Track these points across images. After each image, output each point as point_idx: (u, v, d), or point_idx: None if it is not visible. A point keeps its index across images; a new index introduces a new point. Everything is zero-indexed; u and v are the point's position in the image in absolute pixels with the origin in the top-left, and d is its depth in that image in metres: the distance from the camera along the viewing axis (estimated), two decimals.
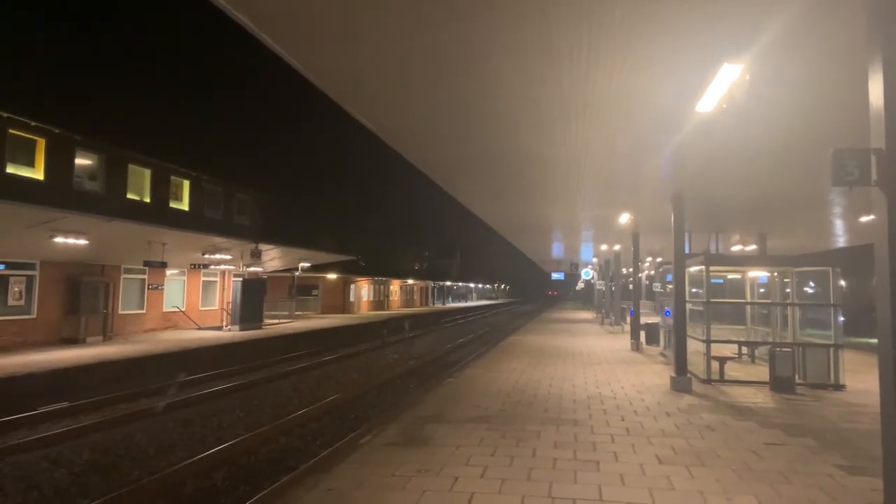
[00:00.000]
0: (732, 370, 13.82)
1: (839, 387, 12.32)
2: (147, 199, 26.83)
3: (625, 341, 22.57)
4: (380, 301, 55.41)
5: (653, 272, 38.02)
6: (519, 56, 6.12)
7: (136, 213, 23.61)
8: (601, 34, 5.61)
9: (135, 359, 16.99)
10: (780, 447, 7.81)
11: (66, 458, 9.51)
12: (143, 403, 13.47)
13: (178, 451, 10.14)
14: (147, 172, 26.97)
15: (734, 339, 16.77)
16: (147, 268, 23.24)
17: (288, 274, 36.71)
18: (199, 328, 26.39)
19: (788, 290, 15.04)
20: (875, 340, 4.43)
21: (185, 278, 27.58)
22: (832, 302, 13.02)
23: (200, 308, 28.58)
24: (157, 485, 8.32)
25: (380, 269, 57.35)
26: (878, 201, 4.28)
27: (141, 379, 15.88)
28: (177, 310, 26.62)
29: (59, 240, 16.62)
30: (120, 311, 22.98)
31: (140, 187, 26.65)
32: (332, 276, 43.57)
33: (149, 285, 24.89)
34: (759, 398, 11.39)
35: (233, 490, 8.52)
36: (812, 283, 16.24)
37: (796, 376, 12.37)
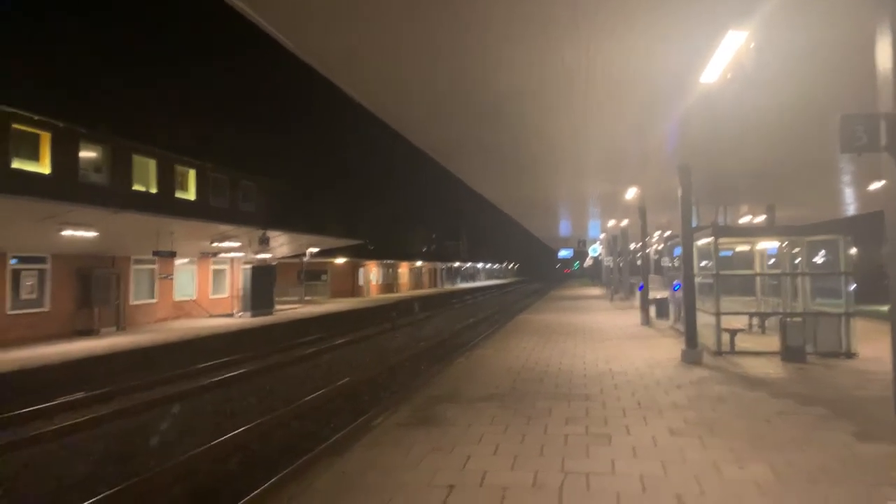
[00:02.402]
0: (743, 341, 13.80)
1: (850, 355, 12.29)
2: (153, 190, 26.88)
3: (634, 317, 22.55)
4: (389, 284, 55.58)
5: (660, 247, 37.91)
6: (519, 30, 6.05)
7: (143, 203, 23.67)
8: (600, 4, 5.54)
9: (148, 348, 17.18)
10: (792, 416, 7.81)
11: (83, 448, 9.66)
12: (158, 392, 13.63)
13: (195, 436, 10.27)
14: (152, 163, 26.98)
15: (744, 310, 16.71)
16: (156, 258, 23.35)
17: (297, 260, 36.83)
18: (211, 316, 26.58)
19: (798, 261, 14.95)
20: (886, 308, 4.40)
21: (194, 267, 27.71)
22: (843, 270, 12.94)
23: (211, 296, 28.75)
24: (173, 473, 8.44)
25: (388, 252, 57.43)
26: (888, 166, 4.23)
27: (155, 368, 16.05)
28: (188, 299, 26.80)
29: (67, 233, 16.71)
30: (131, 302, 23.15)
31: (145, 178, 26.69)
32: (340, 260, 43.68)
33: (159, 275, 25.02)
34: (771, 368, 11.38)
35: (248, 474, 8.63)
36: (822, 253, 16.12)
37: (807, 345, 12.34)
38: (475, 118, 9.70)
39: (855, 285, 12.89)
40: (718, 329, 13.09)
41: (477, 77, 7.60)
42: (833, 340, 12.54)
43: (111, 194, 22.87)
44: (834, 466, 5.85)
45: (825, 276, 15.81)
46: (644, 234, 22.66)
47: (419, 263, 68.60)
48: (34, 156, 21.28)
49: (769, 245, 16.54)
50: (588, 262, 72.50)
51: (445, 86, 8.04)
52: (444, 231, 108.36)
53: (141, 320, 23.48)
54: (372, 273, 51.00)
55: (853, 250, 13.05)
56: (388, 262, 55.70)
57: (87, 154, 23.52)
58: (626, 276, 35.02)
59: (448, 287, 76.10)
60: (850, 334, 12.45)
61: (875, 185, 15.61)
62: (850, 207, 22.45)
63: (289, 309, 30.71)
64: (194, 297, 27.18)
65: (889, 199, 4.21)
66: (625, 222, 28.78)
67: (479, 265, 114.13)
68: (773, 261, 17.69)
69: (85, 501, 7.30)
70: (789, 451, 6.33)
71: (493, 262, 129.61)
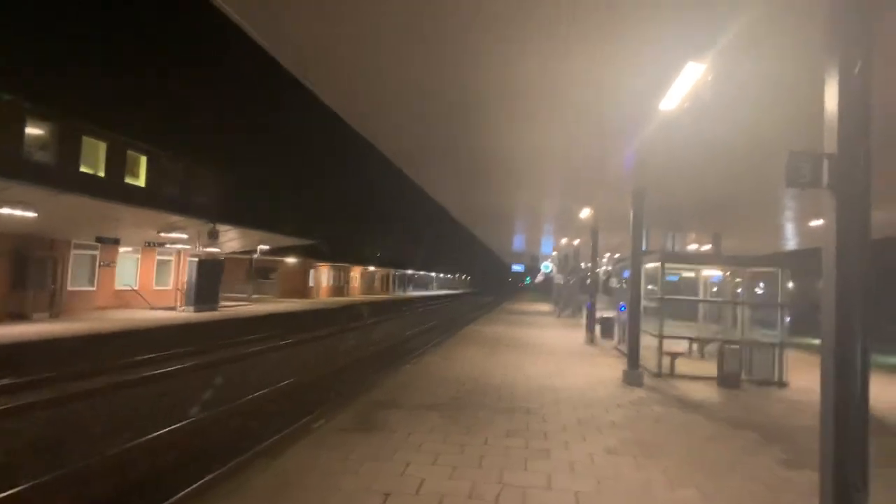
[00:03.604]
0: (683, 365, 14.16)
1: (783, 384, 12.77)
2: (101, 174, 25.93)
3: (580, 334, 22.91)
4: (340, 287, 54.99)
5: (610, 267, 38.67)
6: (488, 38, 6.11)
7: (90, 186, 22.76)
8: (570, 28, 5.64)
9: (81, 337, 16.50)
10: (723, 440, 8.05)
11: (4, 435, 9.19)
12: (90, 383, 13.09)
13: (125, 432, 9.88)
14: (102, 145, 26.03)
15: (686, 335, 17.17)
16: (99, 244, 22.52)
17: (247, 256, 36.11)
18: (153, 308, 25.75)
19: (739, 290, 15.49)
20: (817, 341, 4.58)
21: (138, 256, 26.86)
22: (780, 302, 13.46)
23: (154, 287, 27.89)
24: (98, 466, 8.11)
25: (341, 254, 56.83)
26: (828, 204, 4.41)
27: (86, 358, 15.41)
28: (129, 288, 25.92)
29: (4, 211, 15.94)
30: (69, 288, 22.23)
31: (94, 161, 25.73)
32: (291, 260, 43.03)
33: (100, 262, 24.14)
34: (707, 393, 11.71)
35: (181, 470, 8.35)
36: (762, 284, 16.75)
37: (743, 373, 12.76)
38: (437, 124, 9.72)
39: (789, 318, 13.40)
40: (660, 352, 13.41)
41: (442, 81, 7.61)
42: (767, 369, 13.02)
43: (56, 174, 21.95)
44: (762, 492, 6.04)
45: (763, 306, 16.41)
46: (595, 254, 23.07)
47: (372, 268, 68.15)
48: None
49: (713, 273, 17.08)
50: (539, 277, 73.36)
51: (409, 89, 8.04)
52: (400, 237, 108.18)
53: (78, 307, 22.55)
54: (323, 275, 50.39)
55: (790, 283, 13.58)
56: (341, 264, 55.14)
57: (32, 131, 22.52)
58: (575, 293, 35.55)
59: (400, 294, 75.81)
60: (784, 364, 12.94)
61: (814, 222, 16.30)
62: (791, 242, 23.39)
63: (235, 306, 30.03)
64: (136, 288, 26.31)
65: (827, 234, 4.38)
66: (577, 241, 29.25)
67: (433, 274, 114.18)
68: (715, 289, 18.27)
69: None
70: (720, 475, 6.51)
71: (447, 272, 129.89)
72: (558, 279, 42.49)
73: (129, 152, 27.79)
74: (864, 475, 4.15)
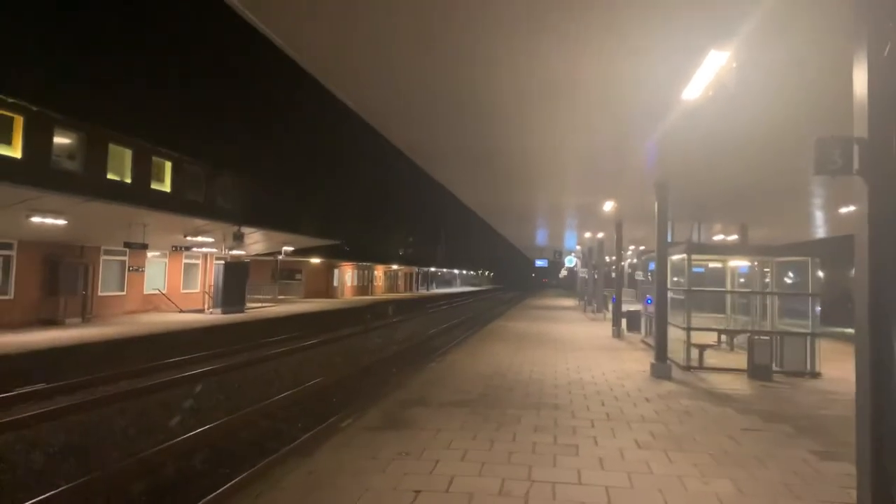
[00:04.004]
0: (712, 358, 13.98)
1: (815, 374, 12.54)
2: (128, 180, 26.37)
3: (606, 328, 22.75)
4: (364, 286, 55.29)
5: (635, 260, 38.32)
6: (506, 38, 6.09)
7: (117, 193, 23.19)
8: (590, 19, 5.59)
9: (114, 341, 16.83)
10: (756, 433, 7.93)
11: (42, 440, 9.41)
12: (123, 386, 13.36)
13: (157, 434, 10.07)
14: (128, 153, 26.47)
15: (714, 327, 16.95)
16: (128, 249, 22.92)
17: (271, 258, 36.47)
18: (181, 311, 26.15)
19: (768, 280, 15.23)
20: (850, 330, 4.49)
21: (166, 260, 27.27)
22: (810, 292, 13.22)
23: (182, 291, 28.31)
24: (135, 469, 8.27)
25: (364, 254, 57.13)
26: (859, 191, 4.31)
27: (119, 362, 15.72)
28: (158, 292, 26.35)
29: (36, 219, 16.32)
30: (100, 293, 22.69)
31: (121, 168, 26.18)
32: (315, 260, 43.35)
33: (129, 267, 24.59)
34: (737, 385, 11.55)
35: (212, 473, 8.49)
36: (791, 274, 16.46)
37: (773, 364, 12.55)
38: (459, 122, 9.70)
39: (819, 308, 13.15)
40: (688, 344, 13.26)
41: (463, 81, 7.60)
42: (799, 360, 12.79)
43: (84, 182, 22.39)
44: (796, 484, 5.94)
45: (793, 296, 16.13)
46: (619, 247, 22.89)
47: (395, 267, 68.39)
48: (6, 139, 20.74)
49: (741, 264, 16.82)
50: (563, 272, 73.01)
51: (431, 88, 8.03)
52: (423, 235, 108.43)
53: (109, 312, 23.01)
54: (347, 274, 50.70)
55: (820, 272, 13.33)
56: (364, 264, 55.42)
57: (61, 140, 22.99)
58: (600, 288, 35.32)
59: (424, 292, 75.98)
60: (815, 354, 12.70)
61: (845, 209, 15.97)
62: (820, 230, 22.94)
63: (261, 307, 30.36)
64: (164, 292, 26.74)
65: (859, 221, 4.29)
66: (601, 235, 29.04)
67: (456, 271, 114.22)
68: (743, 279, 17.99)
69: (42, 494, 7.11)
70: (753, 467, 6.42)
71: (470, 269, 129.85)
72: (583, 273, 42.23)
73: (155, 158, 28.23)
74: None
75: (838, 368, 12.73)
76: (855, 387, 4.34)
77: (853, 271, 4.44)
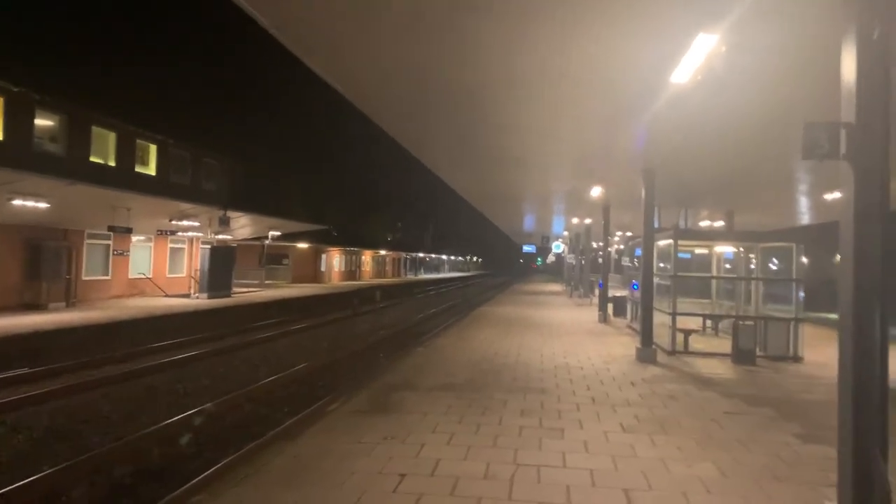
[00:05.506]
0: (697, 342, 14.11)
1: (798, 359, 12.69)
2: (112, 163, 26.00)
3: (592, 313, 22.87)
4: (351, 271, 55.17)
5: (622, 246, 38.48)
6: (497, 18, 6.00)
7: (100, 176, 22.86)
8: (579, 0, 5.53)
9: (98, 325, 16.68)
10: (739, 416, 8.01)
11: (24, 424, 9.33)
12: (107, 371, 13.25)
13: (142, 418, 10.01)
14: (112, 135, 26.06)
15: (699, 312, 17.09)
16: (112, 233, 22.68)
17: (258, 242, 36.23)
18: (167, 295, 25.97)
19: (753, 266, 15.35)
20: (833, 315, 4.51)
21: (151, 245, 27.05)
22: (794, 277, 13.33)
23: (168, 275, 28.11)
24: (120, 452, 8.22)
25: (352, 239, 56.96)
26: (845, 176, 4.31)
27: (104, 346, 15.59)
28: (143, 277, 26.14)
29: (17, 202, 16.08)
30: (83, 277, 22.47)
31: (104, 150, 25.79)
32: (303, 245, 43.16)
33: (114, 251, 24.35)
34: (722, 369, 11.66)
35: (198, 456, 8.45)
36: (775, 259, 16.60)
37: (757, 349, 12.68)
38: (447, 106, 9.62)
39: (803, 294, 13.28)
40: (673, 329, 13.35)
41: (452, 64, 7.52)
42: (782, 345, 12.93)
43: (67, 165, 22.04)
44: (779, 467, 6.01)
45: (777, 281, 16.28)
46: (606, 232, 22.95)
47: (383, 252, 68.26)
48: None
49: (726, 249, 16.94)
50: (550, 258, 73.22)
51: (420, 71, 7.95)
52: (411, 221, 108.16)
53: (93, 296, 22.80)
54: (334, 259, 50.54)
55: (804, 258, 13.44)
56: (352, 249, 55.26)
57: (42, 122, 22.57)
58: (586, 273, 35.47)
59: (411, 277, 75.96)
60: (799, 339, 12.84)
61: (830, 196, 16.07)
62: (805, 216, 23.11)
63: (248, 292, 30.22)
64: (150, 276, 26.52)
65: (844, 208, 4.30)
66: (588, 220, 29.09)
67: (444, 257, 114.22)
68: (729, 265, 18.12)
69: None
70: (736, 450, 6.49)
71: (458, 255, 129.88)
72: (570, 259, 42.38)
73: (139, 141, 27.84)
74: (883, 449, 4.11)
75: (821, 353, 12.88)
76: (837, 371, 4.38)
77: (837, 257, 4.46)
